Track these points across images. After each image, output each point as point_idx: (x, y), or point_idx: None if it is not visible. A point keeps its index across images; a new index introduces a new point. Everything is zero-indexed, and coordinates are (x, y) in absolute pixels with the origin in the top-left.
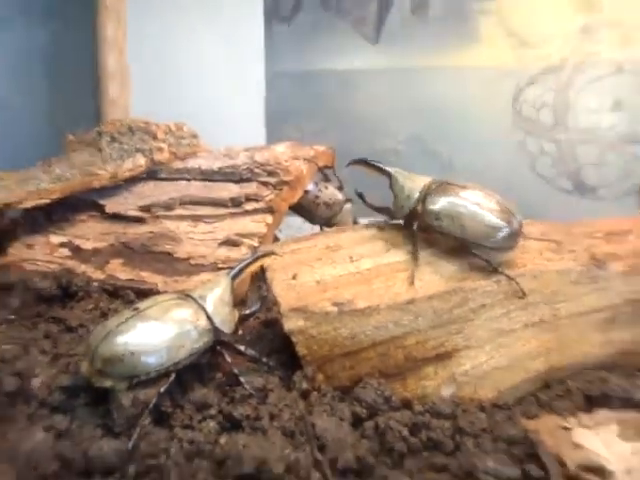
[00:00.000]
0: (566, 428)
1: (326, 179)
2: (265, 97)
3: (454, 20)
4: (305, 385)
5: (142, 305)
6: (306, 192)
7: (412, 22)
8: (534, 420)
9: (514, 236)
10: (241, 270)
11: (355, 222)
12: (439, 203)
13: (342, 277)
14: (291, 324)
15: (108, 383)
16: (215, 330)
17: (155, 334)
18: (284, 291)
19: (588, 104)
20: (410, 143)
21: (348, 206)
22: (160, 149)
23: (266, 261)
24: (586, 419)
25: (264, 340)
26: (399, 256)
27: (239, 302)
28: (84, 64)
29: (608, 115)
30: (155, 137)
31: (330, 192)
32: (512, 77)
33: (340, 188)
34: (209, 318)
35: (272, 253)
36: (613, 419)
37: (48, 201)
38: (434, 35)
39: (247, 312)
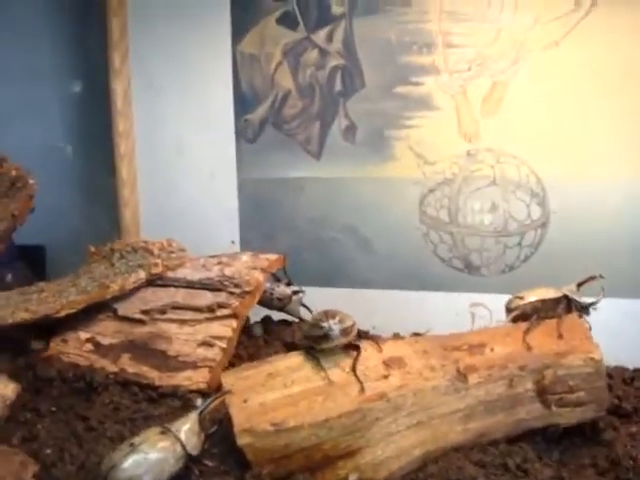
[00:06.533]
0: None
1: (277, 280)
2: (238, 198)
3: (375, 144)
4: None
5: (136, 440)
6: (264, 291)
7: (344, 145)
8: None
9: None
10: (206, 407)
11: (303, 305)
12: None
13: (278, 400)
14: (242, 441)
15: None
16: (187, 454)
17: (146, 463)
18: (237, 413)
19: (473, 207)
20: (345, 232)
21: (295, 297)
22: (156, 264)
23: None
24: None
25: (227, 441)
26: (318, 381)
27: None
28: (106, 174)
29: (487, 215)
30: (152, 254)
31: (281, 289)
32: (419, 186)
33: (289, 284)
34: (183, 447)
35: (229, 392)
36: None
37: (76, 310)
38: (361, 154)
39: (209, 432)
